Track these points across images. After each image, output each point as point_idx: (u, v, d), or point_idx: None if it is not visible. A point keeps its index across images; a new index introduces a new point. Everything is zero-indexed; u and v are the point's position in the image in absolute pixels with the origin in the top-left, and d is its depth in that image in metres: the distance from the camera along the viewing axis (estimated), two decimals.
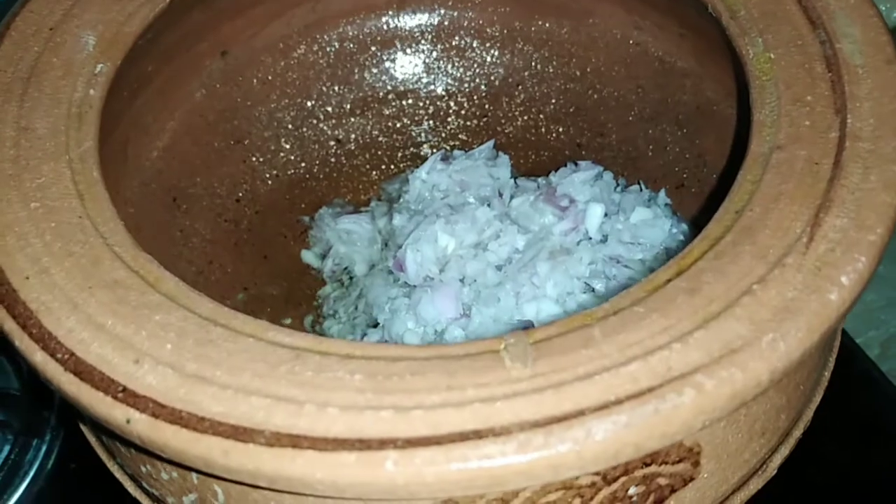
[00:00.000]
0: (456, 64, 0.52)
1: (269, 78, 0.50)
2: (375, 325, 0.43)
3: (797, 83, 0.32)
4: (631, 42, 0.48)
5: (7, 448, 0.45)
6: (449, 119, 0.53)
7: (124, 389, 0.24)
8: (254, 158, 0.49)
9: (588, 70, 0.50)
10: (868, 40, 0.32)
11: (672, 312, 0.25)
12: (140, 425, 0.23)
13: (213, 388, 0.24)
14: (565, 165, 0.47)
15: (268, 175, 0.50)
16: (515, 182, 0.48)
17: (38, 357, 0.25)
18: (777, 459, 0.31)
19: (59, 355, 0.25)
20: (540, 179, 0.47)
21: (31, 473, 0.45)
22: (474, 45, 0.52)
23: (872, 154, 0.28)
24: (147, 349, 0.25)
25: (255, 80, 0.49)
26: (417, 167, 0.49)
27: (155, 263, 0.28)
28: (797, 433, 0.32)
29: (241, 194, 0.48)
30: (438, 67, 0.52)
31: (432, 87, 0.52)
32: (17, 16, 0.35)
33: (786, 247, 0.26)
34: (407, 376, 0.24)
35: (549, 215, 0.41)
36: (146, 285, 0.27)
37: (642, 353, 0.24)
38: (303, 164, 0.51)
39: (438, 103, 0.52)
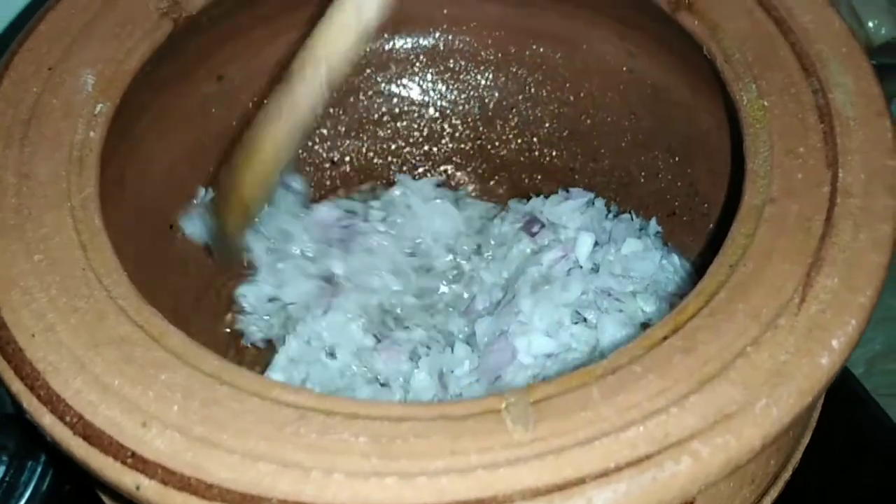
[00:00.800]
0: (450, 86, 0.52)
1: (265, 101, 0.49)
2: None
3: (790, 133, 0.32)
4: (624, 69, 0.48)
5: (2, 470, 0.45)
6: (443, 141, 0.53)
7: (133, 455, 0.24)
8: None
9: (581, 95, 0.50)
10: (860, 91, 0.32)
11: (669, 373, 0.26)
12: (150, 492, 0.24)
13: (221, 453, 0.24)
14: (556, 192, 0.47)
15: None
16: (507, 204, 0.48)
17: (47, 420, 0.25)
18: (767, 501, 0.32)
19: (67, 418, 0.25)
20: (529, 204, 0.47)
21: (27, 495, 0.45)
22: (469, 67, 0.52)
23: (863, 211, 0.29)
24: (154, 411, 0.25)
25: (250, 104, 0.49)
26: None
27: (159, 317, 0.29)
28: (786, 475, 0.33)
29: None
30: (433, 90, 0.52)
31: (426, 109, 0.53)
32: (15, 55, 0.35)
33: (778, 307, 0.27)
34: (411, 439, 0.25)
35: (526, 243, 0.42)
36: (151, 341, 0.28)
37: (640, 418, 0.25)
38: None
39: (433, 125, 0.53)
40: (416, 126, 0.53)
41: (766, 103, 0.33)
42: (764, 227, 0.30)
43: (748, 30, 0.36)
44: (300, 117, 0.33)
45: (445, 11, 0.50)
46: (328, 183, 0.51)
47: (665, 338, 0.27)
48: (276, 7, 0.46)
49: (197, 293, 0.46)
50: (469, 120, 0.52)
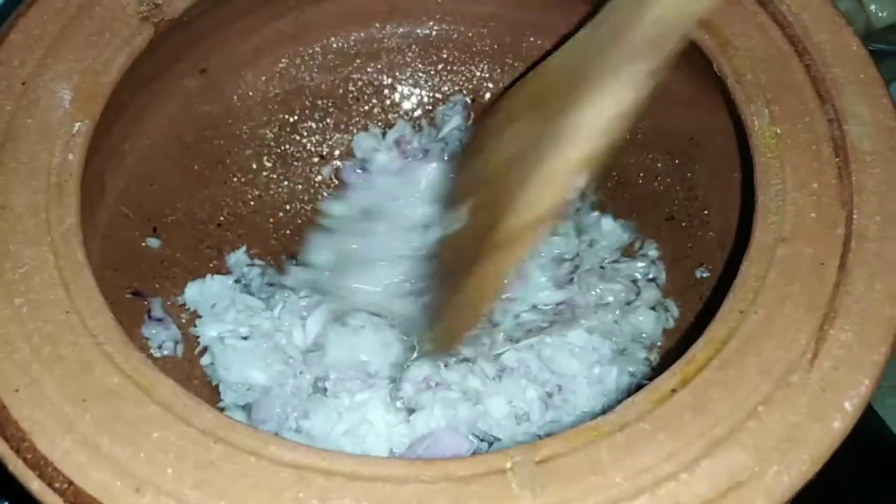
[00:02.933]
0: (444, 78, 0.50)
1: (250, 94, 0.47)
2: None
3: (803, 166, 0.31)
4: None
5: None
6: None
7: None
8: (235, 179, 0.48)
9: None
10: (877, 123, 0.31)
11: (679, 434, 0.25)
12: None
13: None
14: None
15: (250, 196, 0.48)
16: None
17: (35, 486, 0.24)
18: None
19: (56, 484, 0.24)
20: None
21: None
22: (463, 59, 0.50)
23: (878, 258, 0.28)
24: (147, 475, 0.24)
25: (235, 97, 0.47)
26: None
27: (148, 364, 0.27)
28: None
29: (222, 218, 0.47)
30: (426, 81, 0.50)
31: (419, 101, 0.51)
32: None
33: (790, 362, 0.27)
34: None
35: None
36: (141, 394, 0.26)
37: (650, 485, 0.24)
38: (286, 183, 0.49)
39: (425, 118, 0.51)
40: (407, 119, 0.51)
41: (779, 131, 0.32)
42: (776, 271, 0.29)
43: (761, 48, 0.34)
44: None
45: (439, 1, 0.48)
46: (318, 178, 0.50)
47: (674, 391, 0.27)
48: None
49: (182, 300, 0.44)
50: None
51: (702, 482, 0.24)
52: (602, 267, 0.45)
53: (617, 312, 0.42)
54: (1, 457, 0.25)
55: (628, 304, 0.43)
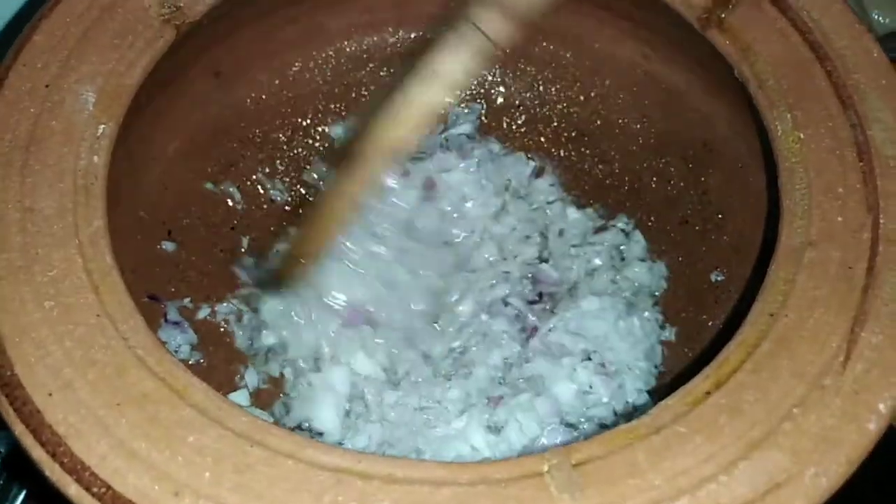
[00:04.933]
0: None
1: (264, 97, 0.47)
2: None
3: (828, 171, 0.31)
4: (638, 70, 0.47)
5: None
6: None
7: None
8: (248, 182, 0.48)
9: (592, 95, 0.49)
10: None
11: (716, 436, 0.25)
12: None
13: None
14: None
15: (262, 199, 0.48)
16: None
17: (73, 490, 0.24)
18: None
19: (94, 489, 0.24)
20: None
21: None
22: None
23: None
24: (185, 479, 0.24)
25: (248, 100, 0.47)
26: None
27: (181, 368, 0.27)
28: None
29: (235, 222, 0.47)
30: None
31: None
32: (10, 70, 0.32)
33: (823, 364, 0.27)
34: None
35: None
36: (176, 397, 0.26)
37: (690, 487, 0.24)
38: (298, 187, 0.49)
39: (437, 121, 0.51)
40: None
41: (802, 136, 0.32)
42: (804, 274, 0.29)
43: (782, 54, 0.35)
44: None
45: (452, 5, 0.48)
46: None
47: (708, 393, 0.27)
48: (273, 3, 0.44)
49: (197, 303, 0.44)
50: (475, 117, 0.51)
51: (741, 484, 0.24)
52: (574, 245, 0.46)
53: (611, 272, 0.44)
54: (37, 462, 0.25)
55: (613, 266, 0.45)
